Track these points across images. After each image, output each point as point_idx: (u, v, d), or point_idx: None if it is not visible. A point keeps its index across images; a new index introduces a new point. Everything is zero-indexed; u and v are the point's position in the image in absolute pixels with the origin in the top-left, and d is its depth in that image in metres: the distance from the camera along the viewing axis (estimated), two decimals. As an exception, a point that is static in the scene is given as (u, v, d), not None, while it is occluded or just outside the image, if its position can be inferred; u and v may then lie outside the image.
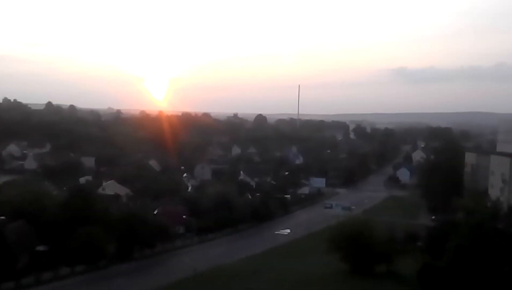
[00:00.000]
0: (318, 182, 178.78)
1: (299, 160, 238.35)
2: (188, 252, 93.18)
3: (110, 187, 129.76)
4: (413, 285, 68.04)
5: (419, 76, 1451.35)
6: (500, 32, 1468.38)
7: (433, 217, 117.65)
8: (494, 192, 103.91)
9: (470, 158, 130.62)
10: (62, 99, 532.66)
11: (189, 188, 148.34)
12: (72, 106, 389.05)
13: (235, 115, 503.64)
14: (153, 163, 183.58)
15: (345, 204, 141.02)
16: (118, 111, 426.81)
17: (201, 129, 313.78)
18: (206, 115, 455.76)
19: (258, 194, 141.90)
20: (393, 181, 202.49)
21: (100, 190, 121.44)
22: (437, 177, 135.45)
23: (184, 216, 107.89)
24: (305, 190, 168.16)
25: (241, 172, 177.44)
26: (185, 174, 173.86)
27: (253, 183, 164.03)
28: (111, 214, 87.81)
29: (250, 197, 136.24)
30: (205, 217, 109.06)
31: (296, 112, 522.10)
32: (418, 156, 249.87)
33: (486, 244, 63.84)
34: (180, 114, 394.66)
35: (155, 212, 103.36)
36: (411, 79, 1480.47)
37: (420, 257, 76.58)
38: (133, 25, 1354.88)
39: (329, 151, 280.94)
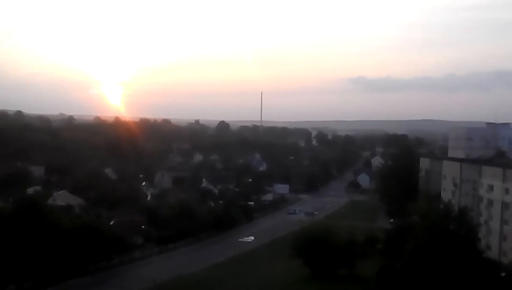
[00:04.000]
0: (282, 189, 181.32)
1: (262, 167, 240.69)
2: (147, 263, 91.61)
3: (61, 198, 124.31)
4: (373, 287, 71.26)
5: (377, 85, 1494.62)
6: (450, 44, 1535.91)
7: (391, 220, 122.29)
8: (446, 195, 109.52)
9: (424, 163, 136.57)
10: (8, 105, 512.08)
11: (149, 197, 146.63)
12: (19, 112, 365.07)
13: (197, 122, 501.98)
14: (109, 171, 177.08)
15: (308, 210, 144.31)
16: (71, 117, 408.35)
17: (161, 136, 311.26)
18: (166, 121, 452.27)
19: (221, 201, 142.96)
20: (354, 186, 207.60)
21: (50, 201, 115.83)
22: (394, 182, 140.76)
23: (142, 226, 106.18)
24: (268, 197, 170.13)
25: (203, 179, 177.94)
26: (144, 183, 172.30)
27: (215, 191, 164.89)
28: (63, 226, 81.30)
29: (212, 204, 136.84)
30: (165, 227, 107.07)
31: (259, 119, 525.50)
32: (376, 162, 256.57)
33: (439, 244, 67.81)
34: (138, 120, 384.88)
35: (111, 223, 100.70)
36: (369, 88, 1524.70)
37: (380, 259, 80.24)
38: (85, 26, 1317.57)
39: (292, 157, 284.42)
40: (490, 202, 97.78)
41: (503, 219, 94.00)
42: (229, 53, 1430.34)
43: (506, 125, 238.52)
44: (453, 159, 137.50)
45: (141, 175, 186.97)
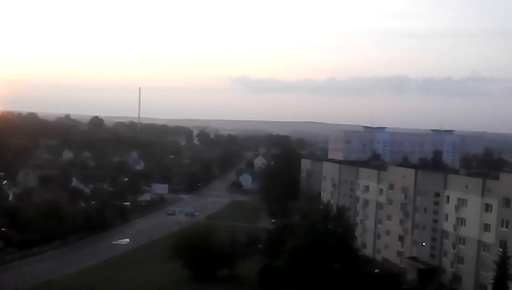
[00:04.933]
0: (161, 188, 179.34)
1: (140, 166, 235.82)
2: (8, 269, 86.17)
3: None
4: (254, 287, 73.09)
5: (261, 86, 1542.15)
6: (332, 49, 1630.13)
7: (273, 220, 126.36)
8: (325, 196, 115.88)
9: (305, 164, 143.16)
10: None
11: (10, 197, 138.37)
12: None
13: (67, 116, 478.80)
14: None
15: (188, 210, 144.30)
16: None
17: (26, 131, 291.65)
18: (32, 115, 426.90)
19: (93, 202, 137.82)
20: (236, 186, 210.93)
21: None
22: (277, 182, 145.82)
23: (3, 229, 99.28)
24: (146, 197, 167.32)
25: (74, 178, 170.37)
26: (5, 181, 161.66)
27: (87, 190, 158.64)
28: None
29: (84, 205, 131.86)
30: (29, 229, 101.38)
31: (137, 115, 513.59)
32: (259, 162, 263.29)
33: (318, 244, 71.36)
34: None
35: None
36: (253, 88, 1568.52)
37: (261, 259, 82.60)
38: None
39: (172, 156, 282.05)
40: (366, 202, 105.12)
41: (377, 218, 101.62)
42: (104, 46, 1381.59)
43: (381, 129, 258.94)
44: (332, 160, 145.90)
45: (2, 173, 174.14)
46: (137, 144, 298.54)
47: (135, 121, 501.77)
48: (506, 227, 71.14)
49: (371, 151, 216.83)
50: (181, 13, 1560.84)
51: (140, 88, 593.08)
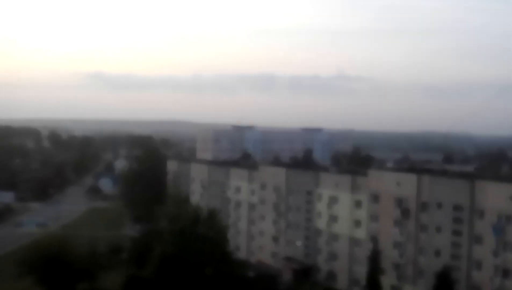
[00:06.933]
0: (5, 197, 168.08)
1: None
2: None
3: None
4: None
5: (118, 82, 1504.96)
6: (196, 45, 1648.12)
7: (138, 227, 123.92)
8: (195, 198, 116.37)
9: (172, 166, 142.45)
10: None
11: None
12: None
13: None
14: None
15: (39, 220, 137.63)
16: None
17: None
18: None
19: None
20: (95, 191, 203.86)
21: None
22: (141, 186, 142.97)
23: None
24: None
25: None
26: None
27: None
28: None
29: None
30: None
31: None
32: (120, 165, 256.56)
33: (188, 249, 71.52)
34: None
35: None
36: (109, 85, 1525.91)
37: (126, 269, 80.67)
38: None
39: (18, 161, 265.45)
40: (238, 203, 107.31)
41: (250, 219, 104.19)
42: None
43: (250, 128, 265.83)
44: (201, 161, 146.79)
45: None
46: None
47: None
48: (376, 222, 76.85)
49: (241, 150, 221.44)
50: (29, 2, 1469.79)
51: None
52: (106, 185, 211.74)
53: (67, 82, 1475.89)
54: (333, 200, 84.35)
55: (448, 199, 67.43)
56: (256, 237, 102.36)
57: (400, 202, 73.19)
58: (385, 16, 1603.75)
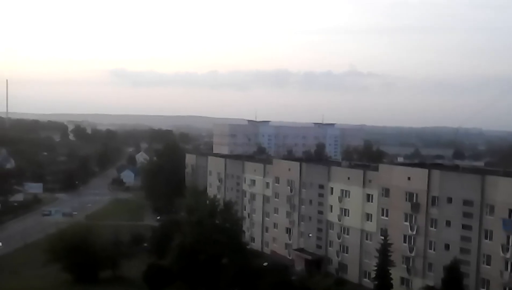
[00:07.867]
0: (34, 188, 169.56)
1: (10, 164, 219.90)
2: None
3: None
4: (140, 287, 71.28)
5: (140, 79, 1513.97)
6: (212, 42, 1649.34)
7: (158, 218, 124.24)
8: (212, 191, 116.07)
9: (190, 159, 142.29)
10: None
11: None
12: None
13: None
14: None
15: (66, 210, 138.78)
16: None
17: None
18: None
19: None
20: (118, 183, 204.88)
21: None
22: (160, 178, 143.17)
23: None
24: (19, 197, 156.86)
25: None
26: None
27: None
28: None
29: None
30: None
31: (5, 110, 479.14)
32: (141, 158, 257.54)
33: (205, 239, 71.33)
34: None
35: None
36: (131, 81, 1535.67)
37: (147, 258, 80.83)
38: None
39: (45, 153, 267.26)
40: (253, 196, 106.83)
41: (264, 211, 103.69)
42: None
43: (265, 122, 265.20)
44: (218, 155, 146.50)
45: None
46: (5, 141, 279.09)
47: (3, 116, 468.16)
48: (386, 215, 75.88)
49: (256, 144, 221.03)
50: (48, 2, 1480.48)
51: (7, 81, 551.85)
52: (128, 177, 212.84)
53: (92, 79, 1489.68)
54: (344, 194, 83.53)
55: (458, 193, 66.21)
56: (270, 228, 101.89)
57: (410, 196, 72.09)
58: (396, 13, 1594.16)
